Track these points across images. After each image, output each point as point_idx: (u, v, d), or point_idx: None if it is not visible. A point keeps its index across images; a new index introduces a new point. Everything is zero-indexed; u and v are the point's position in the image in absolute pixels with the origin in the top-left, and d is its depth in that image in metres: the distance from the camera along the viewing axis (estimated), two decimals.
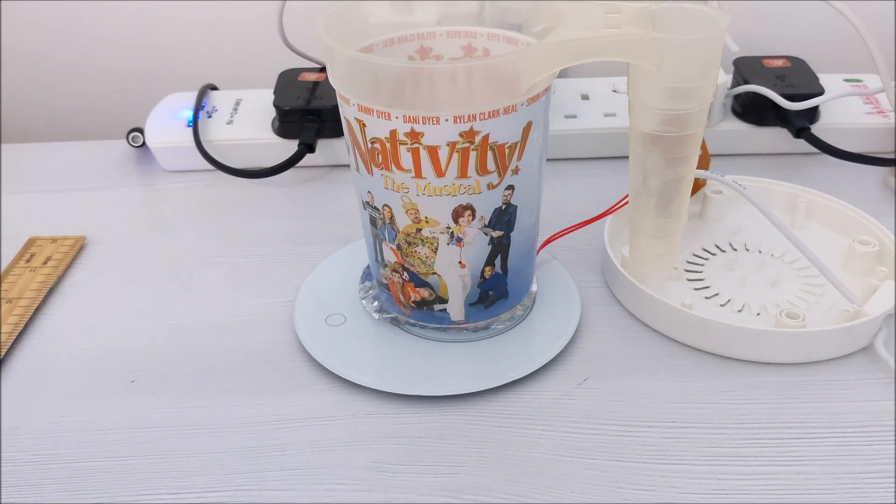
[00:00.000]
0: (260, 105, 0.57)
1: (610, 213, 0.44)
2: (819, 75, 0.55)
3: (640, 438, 0.34)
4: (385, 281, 0.38)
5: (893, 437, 0.34)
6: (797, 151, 0.55)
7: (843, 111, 0.55)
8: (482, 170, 0.33)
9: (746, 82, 0.54)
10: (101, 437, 0.35)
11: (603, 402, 0.36)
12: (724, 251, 0.45)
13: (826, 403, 0.36)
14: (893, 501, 0.31)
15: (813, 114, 0.54)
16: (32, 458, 0.34)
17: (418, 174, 0.33)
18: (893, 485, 0.32)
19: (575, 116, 0.55)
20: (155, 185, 0.54)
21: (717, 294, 0.42)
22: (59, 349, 0.40)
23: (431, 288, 0.37)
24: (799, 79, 0.55)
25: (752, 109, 0.54)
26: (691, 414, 0.35)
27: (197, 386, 0.37)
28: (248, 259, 0.46)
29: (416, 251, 0.36)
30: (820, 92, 0.53)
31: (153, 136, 0.55)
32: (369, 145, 0.33)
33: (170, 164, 0.55)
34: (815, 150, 0.52)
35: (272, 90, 0.55)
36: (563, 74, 0.61)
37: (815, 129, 0.53)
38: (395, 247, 0.36)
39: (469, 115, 0.31)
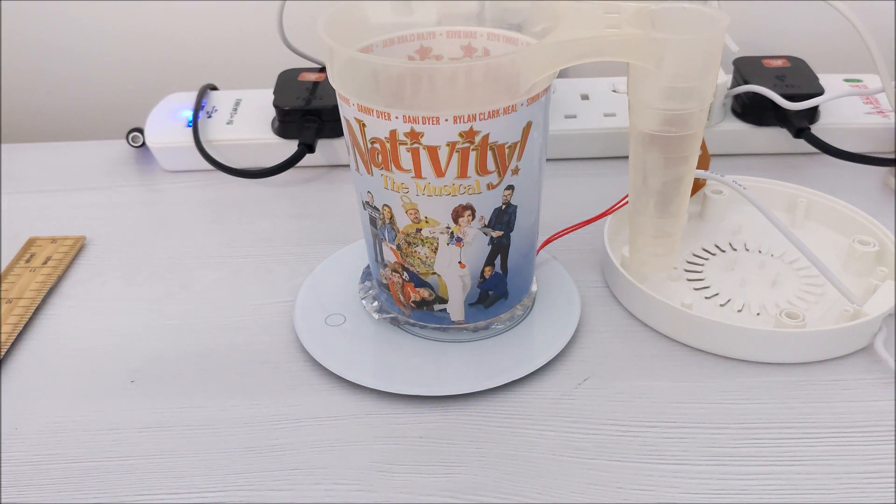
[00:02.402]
0: (260, 105, 0.57)
1: (610, 213, 0.44)
2: (819, 75, 0.55)
3: (640, 438, 0.34)
4: (385, 281, 0.38)
5: (893, 437, 0.34)
6: (797, 151, 0.55)
7: (843, 111, 0.55)
8: (482, 170, 0.33)
9: (746, 82, 0.54)
10: (101, 437, 0.35)
11: (603, 402, 0.36)
12: (724, 251, 0.45)
13: (826, 403, 0.36)
14: (893, 501, 0.31)
15: (813, 114, 0.54)
16: (32, 458, 0.34)
17: (418, 174, 0.33)
18: (893, 485, 0.32)
19: (575, 116, 0.55)
20: (155, 185, 0.54)
21: (717, 294, 0.42)
22: (59, 349, 0.40)
23: (431, 288, 0.37)
24: (799, 79, 0.55)
25: (751, 109, 0.54)
26: (691, 414, 0.35)
27: (197, 386, 0.37)
28: (248, 259, 0.46)
29: (415, 251, 0.36)
30: (820, 92, 0.53)
31: (153, 136, 0.55)
32: (369, 145, 0.33)
33: (170, 164, 0.55)
34: (815, 150, 0.52)
35: (272, 90, 0.55)
36: (563, 74, 0.61)
37: (815, 129, 0.53)
38: (395, 247, 0.36)
39: (469, 115, 0.31)
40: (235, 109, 0.57)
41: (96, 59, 0.67)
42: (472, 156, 0.33)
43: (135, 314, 0.42)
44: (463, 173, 0.33)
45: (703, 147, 0.45)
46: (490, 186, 0.34)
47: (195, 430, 0.35)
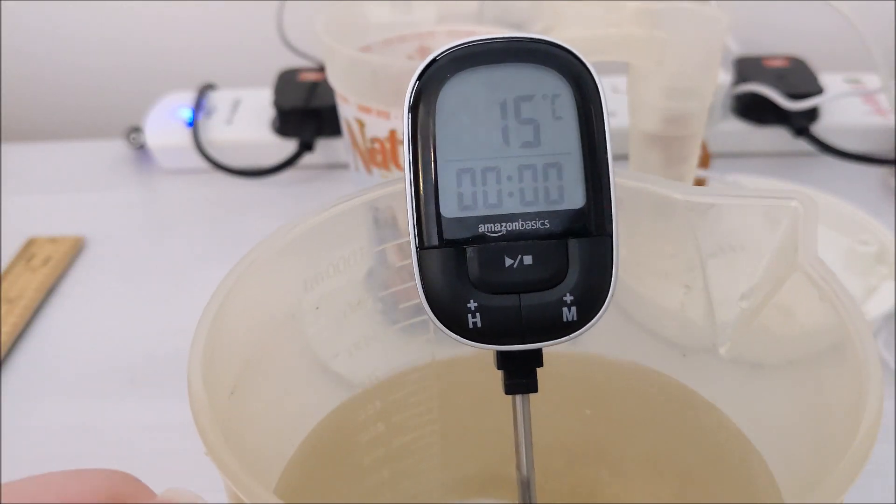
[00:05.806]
0: (259, 104, 0.57)
1: None
2: (819, 75, 0.55)
3: None
4: None
5: (893, 437, 0.34)
6: (797, 151, 0.55)
7: (843, 111, 0.55)
8: None
9: (746, 82, 0.54)
10: (101, 437, 0.35)
11: None
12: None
13: None
14: (893, 502, 0.31)
15: (813, 113, 0.54)
16: (33, 457, 0.34)
17: None
18: (893, 485, 0.32)
19: None
20: (154, 185, 0.54)
21: None
22: (59, 349, 0.40)
23: None
24: (799, 78, 0.55)
25: (752, 109, 0.54)
26: None
27: None
28: None
29: None
30: (820, 91, 0.53)
31: (152, 136, 0.55)
32: (368, 145, 0.33)
33: (169, 163, 0.55)
34: (815, 149, 0.52)
35: (271, 89, 0.55)
36: None
37: (815, 129, 0.53)
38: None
39: None
40: (235, 109, 0.57)
41: (96, 58, 0.66)
42: None
43: (134, 314, 0.42)
44: None
45: (704, 147, 0.45)
46: None
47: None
